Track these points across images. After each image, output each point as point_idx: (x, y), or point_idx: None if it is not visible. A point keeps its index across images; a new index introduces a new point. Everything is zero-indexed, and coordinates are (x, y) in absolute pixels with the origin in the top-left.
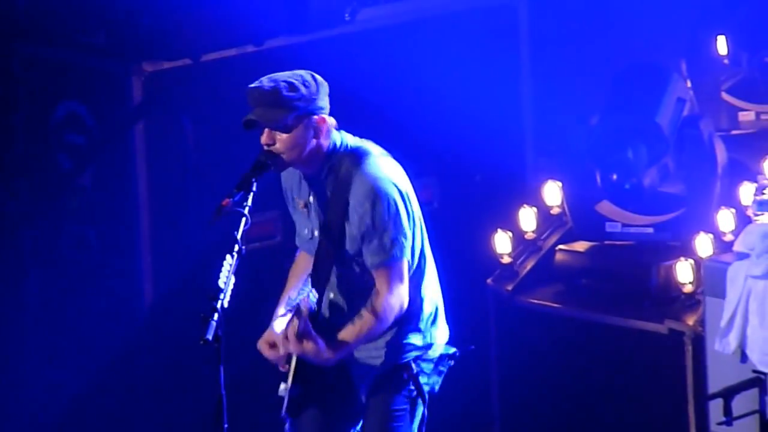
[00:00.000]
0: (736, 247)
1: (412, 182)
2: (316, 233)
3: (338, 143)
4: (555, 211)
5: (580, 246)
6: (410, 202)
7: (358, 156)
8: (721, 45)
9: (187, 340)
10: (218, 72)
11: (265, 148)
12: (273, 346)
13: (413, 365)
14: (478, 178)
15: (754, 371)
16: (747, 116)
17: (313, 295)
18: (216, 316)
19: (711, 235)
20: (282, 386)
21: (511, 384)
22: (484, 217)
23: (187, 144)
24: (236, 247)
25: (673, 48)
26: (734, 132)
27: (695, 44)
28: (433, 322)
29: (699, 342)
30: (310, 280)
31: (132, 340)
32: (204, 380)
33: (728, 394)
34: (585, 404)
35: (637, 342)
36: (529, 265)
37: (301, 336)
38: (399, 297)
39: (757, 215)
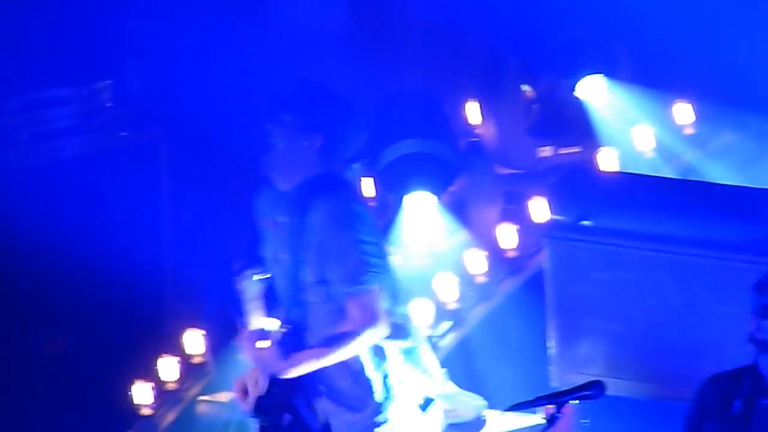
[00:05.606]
0: None
1: None
2: (283, 256)
3: (324, 172)
4: (197, 360)
5: (224, 397)
6: (375, 232)
7: (331, 185)
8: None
9: None
10: None
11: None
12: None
13: None
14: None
15: None
16: (545, 152)
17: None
18: None
19: None
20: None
21: None
22: (122, 366)
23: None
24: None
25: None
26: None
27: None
28: None
29: None
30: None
31: None
32: None
33: None
34: None
35: None
36: (171, 417)
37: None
38: (375, 328)
39: None
